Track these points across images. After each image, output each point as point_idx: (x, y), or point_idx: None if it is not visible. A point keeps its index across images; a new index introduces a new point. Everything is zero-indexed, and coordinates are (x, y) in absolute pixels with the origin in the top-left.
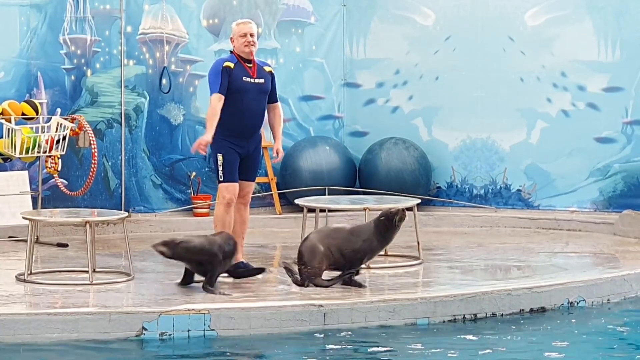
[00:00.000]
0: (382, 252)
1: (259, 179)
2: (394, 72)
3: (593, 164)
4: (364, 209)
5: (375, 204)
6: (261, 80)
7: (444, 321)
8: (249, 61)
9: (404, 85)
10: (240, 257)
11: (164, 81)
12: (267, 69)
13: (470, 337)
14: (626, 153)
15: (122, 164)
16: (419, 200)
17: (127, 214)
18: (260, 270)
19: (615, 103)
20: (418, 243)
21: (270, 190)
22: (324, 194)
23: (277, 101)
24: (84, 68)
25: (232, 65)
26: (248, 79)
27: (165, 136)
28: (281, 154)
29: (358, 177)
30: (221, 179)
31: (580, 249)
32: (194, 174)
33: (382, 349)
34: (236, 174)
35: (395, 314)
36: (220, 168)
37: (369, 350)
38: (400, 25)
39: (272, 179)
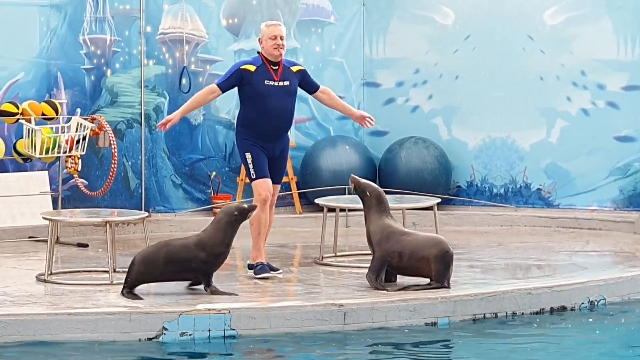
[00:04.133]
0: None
1: None
2: (413, 72)
3: (613, 162)
4: None
5: (395, 203)
6: (285, 83)
7: (464, 320)
8: (276, 63)
9: (424, 85)
10: (262, 258)
11: (183, 81)
12: (294, 68)
13: (490, 336)
14: None
15: (142, 164)
16: (439, 200)
17: (147, 214)
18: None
19: (635, 101)
20: None
21: (291, 190)
22: (344, 194)
23: (319, 86)
24: (104, 68)
25: (253, 68)
26: (270, 82)
27: (185, 136)
28: (367, 116)
29: (378, 176)
30: (253, 177)
31: (600, 248)
32: (214, 173)
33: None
34: (267, 169)
35: (416, 313)
36: (250, 166)
37: (389, 349)
38: (419, 24)
39: (292, 179)
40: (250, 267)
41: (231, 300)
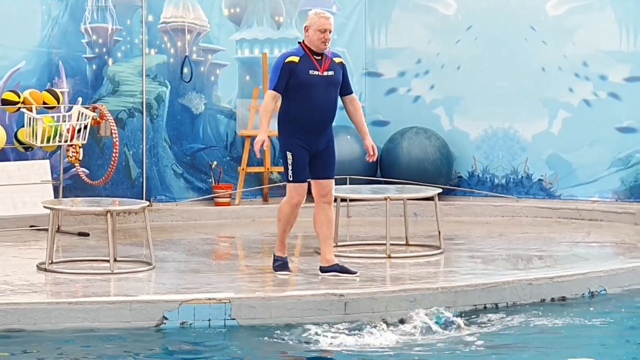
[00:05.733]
0: (402, 242)
1: (279, 168)
2: (415, 62)
3: (615, 153)
4: (385, 199)
5: (396, 194)
6: (330, 73)
7: (465, 310)
8: (319, 54)
9: (426, 75)
10: (284, 252)
11: (185, 70)
12: (337, 60)
13: (491, 326)
14: None
15: (143, 153)
16: (440, 190)
17: (148, 203)
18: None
19: (637, 92)
20: (439, 232)
21: None
22: (345, 184)
23: (351, 92)
24: (106, 57)
25: (297, 59)
26: (315, 72)
27: (187, 125)
28: (375, 150)
29: (379, 166)
30: (291, 179)
31: (601, 239)
32: (215, 163)
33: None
34: (306, 173)
35: (416, 304)
36: (290, 167)
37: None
38: (421, 14)
39: None
40: (275, 259)
41: (231, 289)
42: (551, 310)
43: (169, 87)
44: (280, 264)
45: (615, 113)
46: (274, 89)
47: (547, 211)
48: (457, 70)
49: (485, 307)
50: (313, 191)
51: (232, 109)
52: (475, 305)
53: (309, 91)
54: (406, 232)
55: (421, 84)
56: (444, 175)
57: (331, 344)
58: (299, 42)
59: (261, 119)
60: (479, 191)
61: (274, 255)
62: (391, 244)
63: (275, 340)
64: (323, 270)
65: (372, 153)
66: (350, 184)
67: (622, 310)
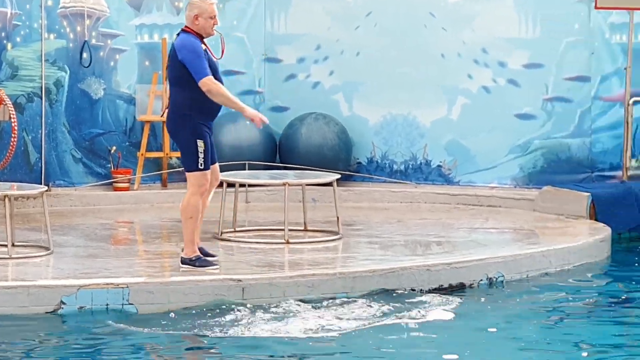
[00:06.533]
0: (301, 227)
1: (178, 154)
2: (315, 48)
3: (513, 140)
4: (284, 184)
5: (295, 179)
6: (217, 58)
7: (362, 296)
8: (203, 39)
9: (325, 61)
10: (197, 251)
11: (84, 55)
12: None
13: (388, 311)
14: (546, 129)
15: (42, 138)
16: (339, 176)
17: (46, 188)
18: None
19: (536, 79)
20: (337, 218)
21: None
22: (244, 169)
23: None
24: (4, 42)
25: (203, 46)
26: (213, 58)
27: (86, 110)
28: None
29: (278, 152)
30: (201, 167)
31: (500, 225)
32: (114, 148)
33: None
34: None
35: (314, 289)
36: (201, 156)
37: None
38: (321, 0)
39: None
40: (186, 262)
41: (129, 274)
42: (449, 296)
43: (68, 72)
44: (202, 260)
45: (514, 100)
46: (208, 75)
47: (446, 197)
48: (357, 56)
49: (383, 293)
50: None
51: (132, 94)
52: (372, 290)
53: (215, 76)
54: (305, 217)
55: (320, 70)
56: (343, 161)
57: (230, 328)
58: (186, 29)
59: (232, 100)
60: (377, 177)
61: (190, 259)
62: (290, 230)
63: (172, 325)
64: (187, 262)
65: (259, 119)
66: (249, 169)
67: (521, 296)
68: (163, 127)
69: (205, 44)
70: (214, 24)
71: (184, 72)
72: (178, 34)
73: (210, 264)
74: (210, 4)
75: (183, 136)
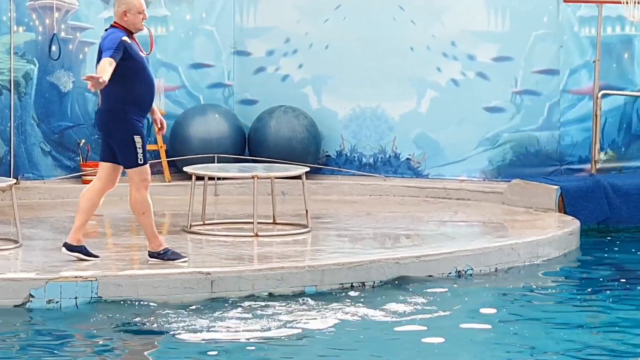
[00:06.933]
0: (270, 220)
1: (148, 146)
2: (284, 41)
3: (482, 133)
4: (253, 177)
5: (264, 172)
6: (146, 53)
7: (331, 289)
8: (133, 35)
9: (294, 54)
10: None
11: (53, 48)
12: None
13: (358, 304)
14: (515, 122)
15: (11, 131)
16: (308, 169)
17: (15, 181)
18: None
19: (505, 73)
20: (307, 211)
21: (160, 158)
22: (214, 162)
23: None
24: None
25: (128, 40)
26: (142, 54)
27: (55, 103)
28: (165, 123)
29: (248, 145)
30: (141, 162)
31: (468, 218)
32: (83, 141)
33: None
34: None
35: (283, 282)
36: (139, 151)
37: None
38: None
39: (161, 147)
40: (154, 255)
41: (98, 267)
42: (417, 289)
43: (37, 64)
44: (171, 253)
45: (483, 93)
46: (112, 57)
47: (415, 190)
48: (326, 49)
49: (352, 286)
50: (113, 174)
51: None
52: (342, 283)
53: (145, 72)
54: (274, 210)
55: (289, 63)
56: (312, 154)
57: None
58: (115, 25)
59: (108, 70)
60: (346, 170)
61: (158, 253)
62: (259, 223)
63: (140, 318)
64: (154, 256)
65: (159, 126)
66: (218, 162)
67: (487, 288)
68: None
69: (134, 40)
70: (142, 19)
71: (115, 67)
72: (106, 29)
73: (180, 256)
74: (139, 0)
75: (119, 133)
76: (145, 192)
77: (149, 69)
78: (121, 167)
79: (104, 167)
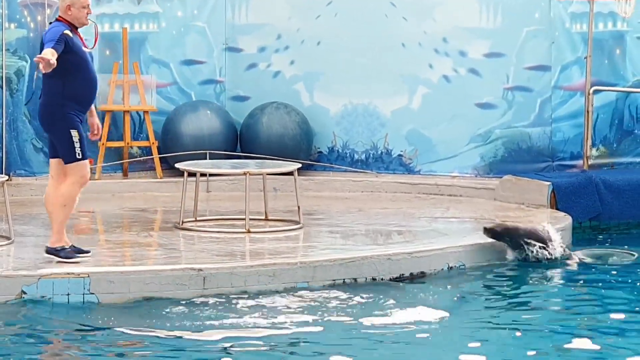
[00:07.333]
0: (262, 217)
1: (139, 143)
2: (275, 37)
3: (474, 129)
4: (245, 173)
5: (256, 168)
6: (89, 49)
7: (323, 285)
8: (76, 29)
9: (286, 50)
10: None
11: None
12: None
13: (349, 300)
14: (507, 119)
15: (2, 128)
16: (300, 165)
17: (7, 177)
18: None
19: (496, 69)
20: (298, 207)
21: (152, 154)
22: (205, 159)
23: None
24: None
25: (71, 34)
26: (85, 49)
27: None
28: (99, 129)
29: (239, 141)
30: (79, 157)
31: (460, 214)
32: None
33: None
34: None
35: (275, 278)
36: (77, 145)
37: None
38: None
39: (153, 143)
40: (51, 251)
41: (90, 264)
42: (410, 286)
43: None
44: (67, 252)
45: (474, 89)
46: (55, 49)
47: (407, 186)
48: (317, 46)
49: (344, 282)
50: (59, 170)
51: None
52: (334, 280)
53: (87, 67)
54: (265, 207)
55: (281, 59)
56: (304, 151)
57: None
58: (59, 19)
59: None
60: (338, 166)
61: (55, 249)
62: (251, 219)
63: (133, 315)
64: (51, 252)
65: (96, 132)
66: (210, 158)
67: (480, 284)
68: (124, 117)
69: (78, 34)
70: (87, 14)
71: (57, 60)
72: (50, 23)
73: (74, 255)
74: None
75: (58, 127)
76: (78, 189)
77: (92, 65)
78: None
79: (53, 163)
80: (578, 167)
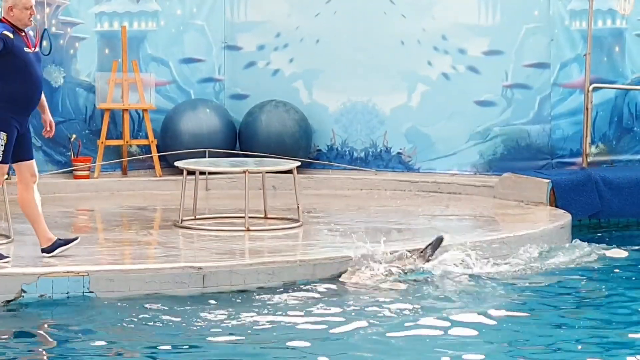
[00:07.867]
0: (261, 215)
1: (138, 141)
2: (274, 35)
3: (473, 127)
4: (244, 172)
5: (255, 167)
6: (38, 49)
7: (323, 283)
8: (22, 30)
9: (285, 48)
10: (53, 236)
11: (44, 43)
12: (31, 33)
13: (349, 298)
14: (506, 116)
15: None
16: (299, 163)
17: (7, 176)
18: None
19: (496, 66)
20: (298, 206)
21: (151, 153)
22: (204, 157)
23: None
24: None
25: (11, 35)
26: (28, 50)
27: (46, 98)
28: (52, 126)
29: (238, 139)
30: (0, 160)
31: (460, 212)
32: (74, 136)
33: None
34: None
35: (275, 276)
36: (2, 148)
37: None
38: None
39: (152, 142)
40: (46, 251)
41: (90, 262)
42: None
43: None
44: (57, 244)
45: (473, 86)
46: None
47: (406, 184)
48: (316, 43)
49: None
50: (24, 173)
51: (92, 82)
52: (333, 277)
53: (28, 69)
54: (265, 205)
55: (280, 57)
56: (303, 149)
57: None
58: (2, 20)
59: None
60: (338, 164)
61: (46, 249)
62: (250, 217)
63: (134, 313)
64: (48, 250)
65: (49, 129)
66: (209, 156)
67: (479, 282)
68: (123, 115)
69: (22, 35)
70: (30, 15)
71: None
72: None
73: (2, 257)
74: None
75: None
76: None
77: (37, 66)
78: (28, 161)
79: (15, 167)
80: (577, 165)
